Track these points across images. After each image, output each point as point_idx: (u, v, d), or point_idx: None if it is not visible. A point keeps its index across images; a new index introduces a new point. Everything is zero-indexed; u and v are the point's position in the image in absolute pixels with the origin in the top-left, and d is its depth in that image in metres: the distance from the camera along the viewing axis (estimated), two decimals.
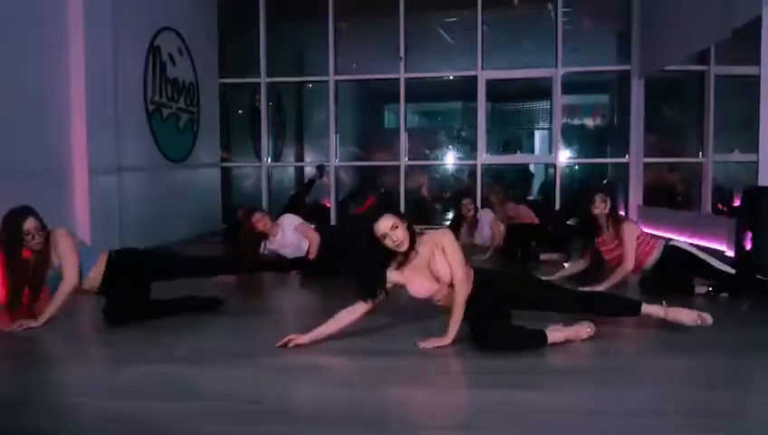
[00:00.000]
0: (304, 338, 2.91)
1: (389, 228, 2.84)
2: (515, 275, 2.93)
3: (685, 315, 2.86)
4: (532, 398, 2.25)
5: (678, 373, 2.61)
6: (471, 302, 2.91)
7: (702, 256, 4.01)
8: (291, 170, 10.19)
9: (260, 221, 5.04)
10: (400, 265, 2.94)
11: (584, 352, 2.78)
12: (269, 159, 9.21)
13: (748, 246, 4.69)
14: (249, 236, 4.99)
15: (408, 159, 8.93)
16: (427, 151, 10.08)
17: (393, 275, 2.96)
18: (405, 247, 2.86)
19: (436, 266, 2.90)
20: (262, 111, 9.02)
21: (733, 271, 3.94)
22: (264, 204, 8.64)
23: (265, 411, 2.16)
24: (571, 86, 8.78)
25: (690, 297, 3.90)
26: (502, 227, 5.80)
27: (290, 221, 5.20)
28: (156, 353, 2.88)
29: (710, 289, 4.01)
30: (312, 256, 5.00)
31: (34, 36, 5.11)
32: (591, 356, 2.75)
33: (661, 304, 2.94)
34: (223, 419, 2.10)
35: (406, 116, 8.96)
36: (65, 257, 3.31)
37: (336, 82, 8.88)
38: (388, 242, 2.84)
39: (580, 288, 3.70)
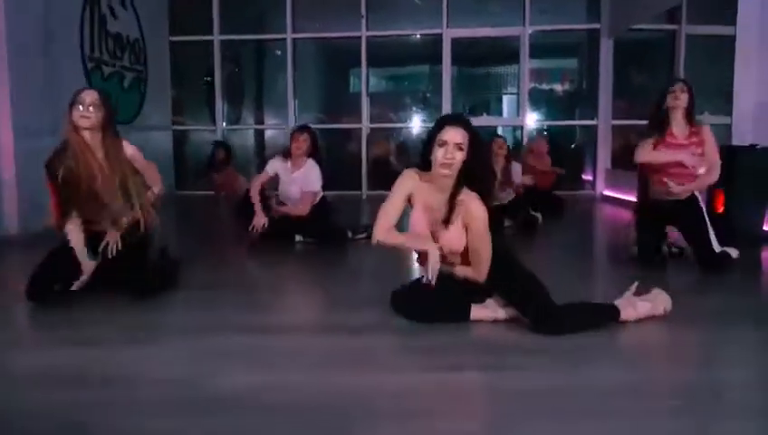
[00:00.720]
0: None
1: (454, 143, 2.32)
2: (521, 261, 2.48)
3: (647, 311, 2.54)
4: (492, 380, 2.01)
5: (650, 349, 2.38)
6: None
7: (708, 224, 3.60)
8: (250, 134, 9.68)
9: (299, 140, 4.49)
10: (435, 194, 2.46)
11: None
12: (224, 123, 8.74)
13: (720, 209, 4.52)
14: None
15: (371, 123, 8.56)
16: (392, 115, 9.69)
17: (418, 181, 2.47)
18: (449, 173, 2.35)
19: (447, 234, 2.41)
20: (216, 70, 8.51)
21: (718, 250, 3.53)
22: None
23: (205, 398, 1.85)
24: (539, 49, 8.47)
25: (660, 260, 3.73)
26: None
27: (314, 179, 4.52)
28: (87, 333, 2.53)
29: (675, 250, 3.89)
30: (278, 213, 4.56)
31: None
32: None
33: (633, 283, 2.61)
34: (157, 408, 1.81)
35: (368, 77, 8.56)
36: (148, 165, 3.24)
37: (294, 40, 8.42)
38: (440, 152, 2.33)
39: None
